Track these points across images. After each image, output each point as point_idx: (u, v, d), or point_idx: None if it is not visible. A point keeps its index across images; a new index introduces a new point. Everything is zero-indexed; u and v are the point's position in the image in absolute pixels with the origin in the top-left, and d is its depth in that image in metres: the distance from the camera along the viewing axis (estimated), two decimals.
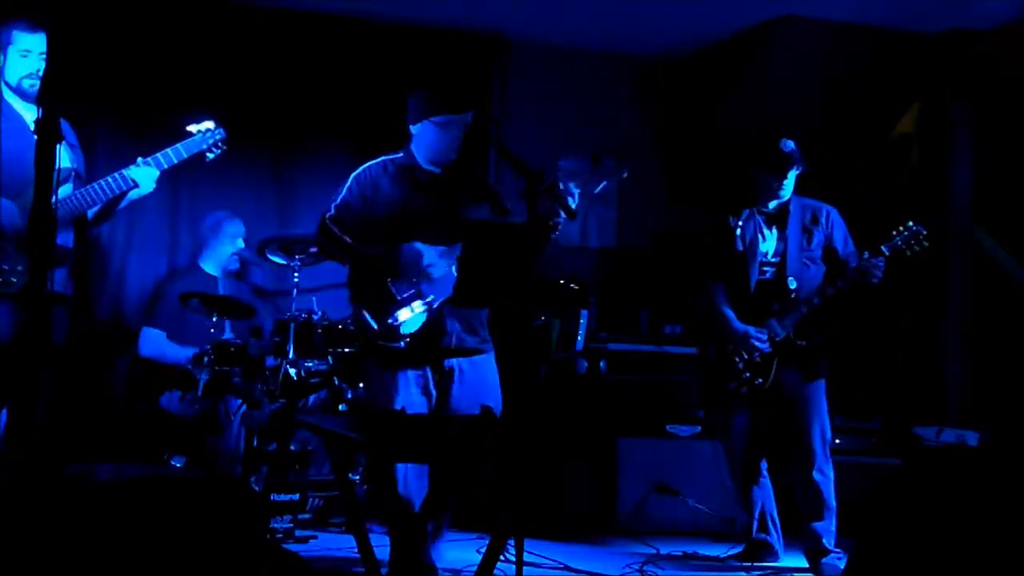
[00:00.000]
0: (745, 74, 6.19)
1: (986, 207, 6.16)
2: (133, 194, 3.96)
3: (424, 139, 4.01)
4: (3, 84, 3.86)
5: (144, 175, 3.91)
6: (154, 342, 5.18)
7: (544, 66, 6.46)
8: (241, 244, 5.40)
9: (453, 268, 3.89)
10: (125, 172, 3.90)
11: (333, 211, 3.99)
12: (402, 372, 3.93)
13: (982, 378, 6.01)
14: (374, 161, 4.08)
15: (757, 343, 4.43)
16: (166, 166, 3.96)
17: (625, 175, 4.04)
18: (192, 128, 4.02)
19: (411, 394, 3.92)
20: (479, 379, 3.99)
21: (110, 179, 3.87)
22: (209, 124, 4.04)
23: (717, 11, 5.86)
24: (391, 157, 4.08)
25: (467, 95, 4.53)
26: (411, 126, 4.04)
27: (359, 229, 3.96)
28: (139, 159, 3.94)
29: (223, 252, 5.37)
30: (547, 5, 5.86)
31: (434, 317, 3.87)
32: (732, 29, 6.12)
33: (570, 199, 3.62)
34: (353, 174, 4.06)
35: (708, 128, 6.52)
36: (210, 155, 4.06)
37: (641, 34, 6.31)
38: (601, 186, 3.82)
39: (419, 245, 3.88)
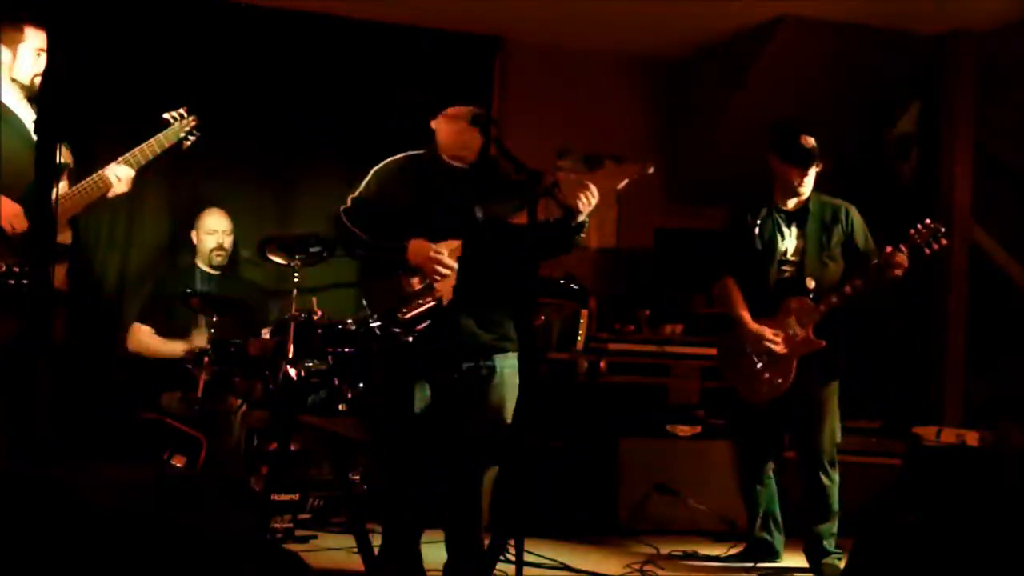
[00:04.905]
0: (745, 74, 6.19)
1: (986, 207, 6.17)
2: (110, 193, 3.92)
3: (439, 134, 3.92)
4: (10, 82, 3.86)
5: (119, 176, 3.90)
6: (140, 338, 5.19)
7: (544, 65, 6.46)
8: (226, 239, 5.39)
9: (465, 265, 3.76)
10: (103, 173, 3.88)
11: (350, 203, 3.88)
12: (418, 379, 3.79)
13: (982, 378, 6.02)
14: (397, 156, 3.97)
15: (771, 344, 4.42)
16: (143, 162, 3.94)
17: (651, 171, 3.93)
18: (167, 116, 4.01)
19: (427, 399, 3.79)
20: (500, 381, 3.83)
21: (91, 180, 3.87)
22: (182, 111, 4.03)
23: (717, 11, 5.86)
24: (415, 153, 3.98)
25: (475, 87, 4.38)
26: (432, 123, 3.94)
27: (373, 222, 3.85)
28: (119, 158, 3.92)
29: (204, 247, 5.37)
30: (547, 4, 5.86)
31: (445, 315, 3.76)
32: (732, 29, 6.12)
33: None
34: (374, 168, 3.95)
35: (708, 128, 6.53)
36: (187, 142, 4.05)
37: (641, 33, 6.31)
38: (624, 183, 3.77)
39: (429, 242, 3.77)
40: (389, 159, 3.96)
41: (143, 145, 3.95)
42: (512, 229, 3.63)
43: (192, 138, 4.06)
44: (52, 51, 3.78)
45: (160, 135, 3.98)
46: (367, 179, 3.92)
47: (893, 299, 4.40)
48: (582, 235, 3.81)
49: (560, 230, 3.70)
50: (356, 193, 3.90)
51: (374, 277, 3.89)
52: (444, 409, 3.77)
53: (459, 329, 3.75)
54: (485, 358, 3.80)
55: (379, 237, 3.82)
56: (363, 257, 3.97)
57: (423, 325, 3.73)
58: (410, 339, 3.72)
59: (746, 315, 4.47)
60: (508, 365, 3.82)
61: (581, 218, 3.71)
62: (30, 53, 3.86)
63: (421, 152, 3.97)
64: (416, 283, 3.76)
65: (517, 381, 3.81)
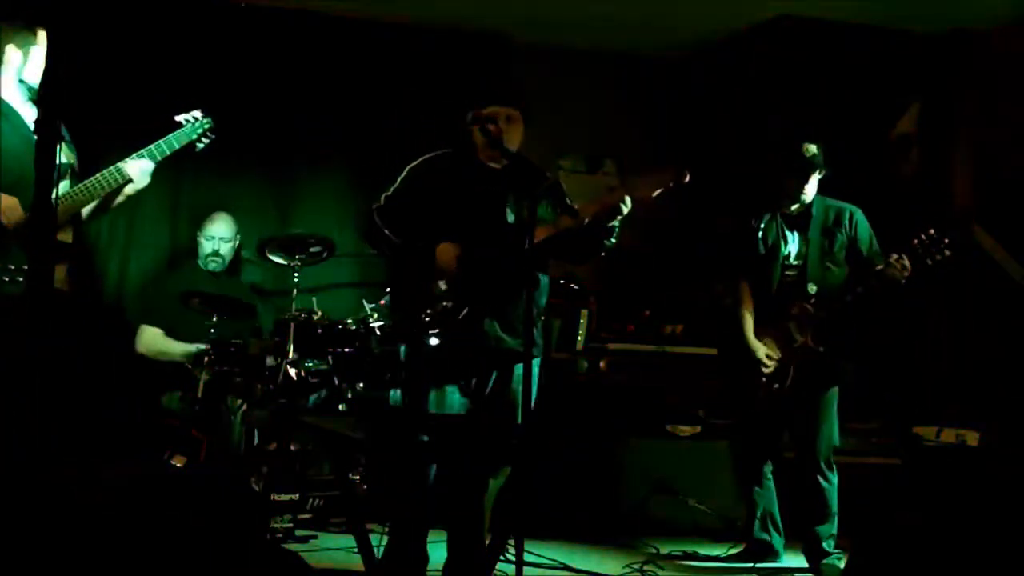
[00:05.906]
0: (745, 74, 6.19)
1: (986, 207, 6.16)
2: (129, 189, 3.92)
3: (476, 134, 3.87)
4: (18, 83, 3.85)
5: (137, 169, 3.89)
6: (151, 339, 5.18)
7: (545, 65, 6.46)
8: (224, 246, 5.38)
9: (496, 267, 3.73)
10: (120, 166, 3.87)
11: (383, 202, 3.83)
12: (443, 383, 3.78)
13: (982, 378, 6.01)
14: (432, 154, 3.92)
15: (762, 367, 4.44)
16: (159, 158, 3.92)
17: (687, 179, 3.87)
18: (180, 118, 3.99)
19: (452, 404, 3.77)
20: (516, 385, 3.80)
21: (105, 174, 3.85)
22: (197, 113, 4.00)
23: (717, 11, 5.87)
24: (448, 151, 3.94)
25: (507, 89, 4.24)
26: (466, 122, 3.89)
27: (405, 219, 3.79)
28: (133, 154, 3.91)
29: (202, 250, 5.37)
30: (548, 4, 5.86)
31: (471, 317, 3.72)
32: (732, 29, 6.12)
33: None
34: (409, 166, 3.90)
35: (708, 128, 6.53)
36: (200, 144, 4.00)
37: (641, 33, 6.32)
38: (658, 191, 3.73)
39: (458, 241, 3.74)
40: (425, 156, 3.91)
41: (160, 141, 3.92)
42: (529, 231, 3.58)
43: (206, 141, 4.01)
44: (52, 51, 3.77)
45: (171, 136, 3.94)
46: (401, 176, 3.88)
47: (892, 299, 4.39)
48: (613, 240, 3.80)
49: (592, 234, 3.70)
50: (390, 191, 3.85)
51: (402, 279, 3.86)
52: (466, 412, 3.76)
53: (484, 333, 3.74)
54: (508, 364, 3.79)
55: (410, 234, 3.77)
56: (389, 256, 3.94)
57: (446, 327, 3.69)
58: (432, 342, 3.70)
59: (747, 326, 4.50)
60: (525, 370, 3.79)
61: (612, 223, 3.71)
62: (42, 57, 3.84)
63: (456, 150, 3.93)
64: (442, 286, 3.73)
65: (526, 384, 3.78)
